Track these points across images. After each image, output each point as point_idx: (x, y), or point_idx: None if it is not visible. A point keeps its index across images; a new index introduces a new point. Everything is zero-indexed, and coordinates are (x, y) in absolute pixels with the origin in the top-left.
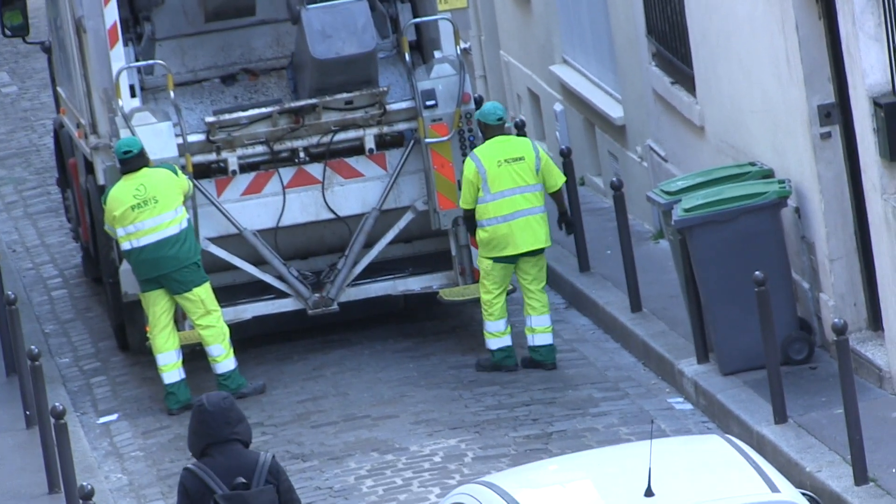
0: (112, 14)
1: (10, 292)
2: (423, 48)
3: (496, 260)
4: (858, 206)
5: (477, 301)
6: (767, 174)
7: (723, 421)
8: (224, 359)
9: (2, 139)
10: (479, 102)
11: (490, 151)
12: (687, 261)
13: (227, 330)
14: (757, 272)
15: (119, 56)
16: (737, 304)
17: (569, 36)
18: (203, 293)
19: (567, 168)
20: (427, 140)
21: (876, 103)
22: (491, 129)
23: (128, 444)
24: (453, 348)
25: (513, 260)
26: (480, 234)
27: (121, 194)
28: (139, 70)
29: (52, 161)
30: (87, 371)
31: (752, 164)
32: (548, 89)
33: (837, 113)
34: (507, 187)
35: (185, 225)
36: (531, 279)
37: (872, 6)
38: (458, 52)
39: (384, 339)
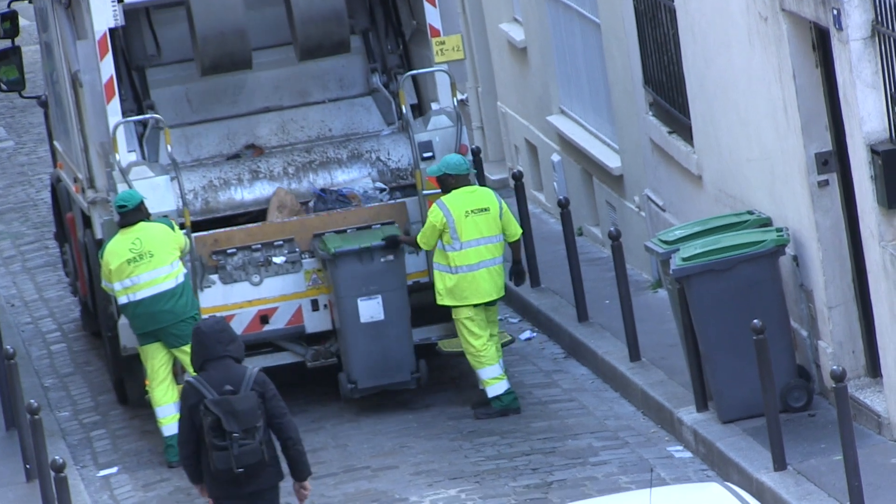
0: (108, 68)
1: (8, 346)
2: (420, 100)
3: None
4: (856, 253)
5: None
6: (765, 222)
7: (722, 469)
8: None
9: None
10: (475, 154)
11: (457, 201)
12: (685, 309)
13: None
14: (755, 320)
15: (116, 110)
16: (735, 353)
17: (566, 86)
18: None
19: (565, 218)
20: (425, 192)
21: (873, 151)
22: (459, 180)
23: (128, 497)
24: (452, 399)
25: (483, 307)
26: (446, 283)
27: (117, 248)
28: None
29: (49, 215)
30: (86, 424)
31: (750, 213)
32: (545, 140)
33: (835, 161)
34: (473, 237)
35: (181, 280)
36: (491, 324)
37: (869, 54)
38: (455, 103)
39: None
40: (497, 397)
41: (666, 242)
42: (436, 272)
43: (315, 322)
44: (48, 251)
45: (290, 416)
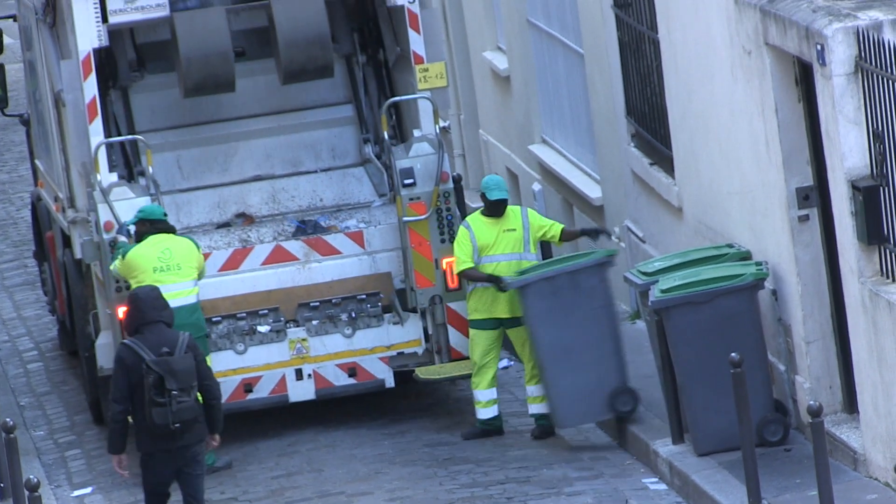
0: (91, 89)
1: None
2: (402, 126)
3: (481, 325)
4: (835, 288)
5: (452, 380)
6: (745, 256)
7: (697, 502)
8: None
9: None
10: (457, 181)
11: (483, 222)
12: (663, 341)
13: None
14: (733, 353)
15: (98, 130)
16: (712, 386)
17: (548, 116)
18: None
19: (545, 249)
20: (405, 218)
21: (854, 186)
22: (493, 207)
23: None
24: (428, 426)
25: (496, 325)
26: (469, 296)
27: (146, 253)
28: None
29: (29, 234)
30: (61, 444)
31: (730, 246)
32: (526, 169)
33: (816, 196)
34: (499, 252)
35: (197, 299)
36: (520, 345)
37: (852, 90)
38: (437, 130)
39: (359, 416)
40: (481, 420)
41: (645, 274)
42: (469, 293)
43: (299, 391)
44: (27, 270)
45: (214, 377)
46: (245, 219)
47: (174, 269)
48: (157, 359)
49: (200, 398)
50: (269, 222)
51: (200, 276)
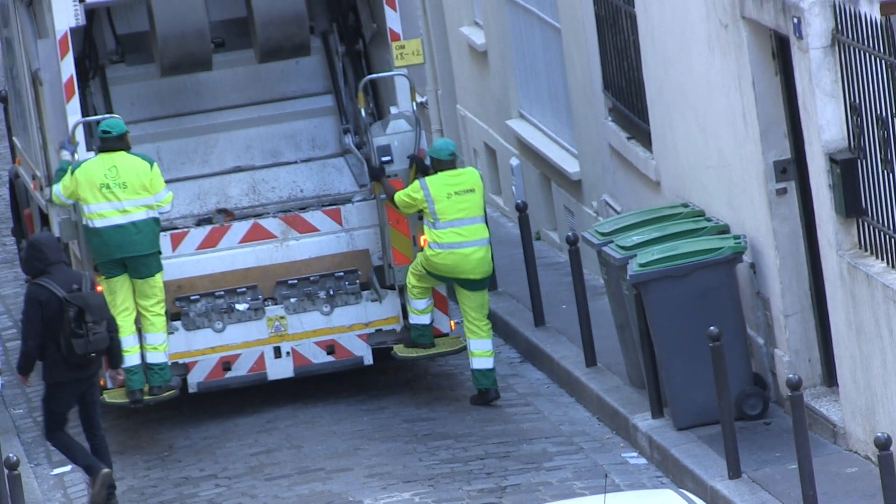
0: (69, 68)
1: None
2: (379, 103)
3: (436, 277)
4: (814, 262)
5: (431, 357)
6: (723, 229)
7: (677, 476)
8: (163, 349)
9: None
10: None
11: (441, 183)
12: (642, 315)
13: (166, 324)
14: (712, 327)
15: (75, 109)
16: (691, 360)
17: (525, 91)
18: (161, 281)
19: (523, 222)
20: (383, 195)
21: (832, 159)
22: (443, 164)
23: (81, 495)
24: (407, 402)
25: (448, 282)
26: (428, 252)
27: (92, 169)
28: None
29: (7, 211)
30: (40, 422)
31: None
32: (504, 144)
33: (793, 169)
34: (457, 217)
35: (152, 215)
36: (474, 308)
37: (829, 63)
38: (415, 107)
39: (338, 392)
40: (416, 326)
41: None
42: (426, 250)
43: (277, 369)
44: (5, 247)
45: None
46: (226, 214)
47: (119, 187)
48: (74, 294)
49: None
50: (250, 216)
51: (160, 202)
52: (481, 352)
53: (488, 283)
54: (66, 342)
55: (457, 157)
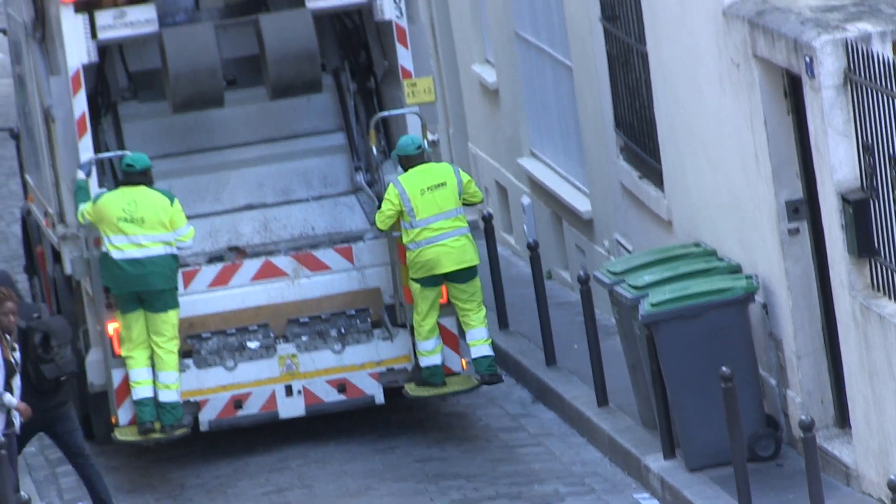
0: (81, 105)
1: None
2: (390, 141)
3: (424, 283)
4: (826, 302)
5: (441, 396)
6: (735, 269)
7: None
8: (175, 388)
9: None
10: None
11: (413, 180)
12: (654, 355)
13: (178, 362)
14: (724, 368)
15: (87, 146)
16: (703, 400)
17: (537, 129)
18: (176, 318)
19: (534, 261)
20: (394, 234)
21: (844, 199)
22: (413, 159)
23: None
24: (419, 441)
25: (439, 281)
26: (409, 257)
27: (112, 202)
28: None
29: (20, 249)
30: (52, 460)
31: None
32: (515, 182)
33: (805, 208)
34: (432, 213)
35: (169, 251)
36: (465, 299)
37: (841, 102)
38: (426, 144)
39: (350, 431)
40: (427, 367)
41: (635, 287)
42: (406, 252)
43: (289, 408)
44: (18, 284)
45: None
46: (237, 252)
47: (137, 222)
48: (35, 321)
49: None
50: (261, 254)
51: (180, 238)
52: (478, 340)
53: (477, 272)
54: (34, 369)
55: (425, 151)
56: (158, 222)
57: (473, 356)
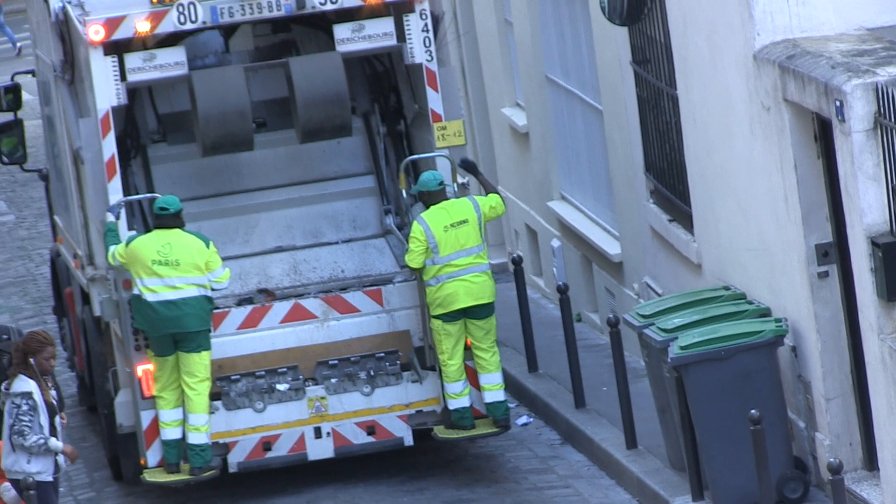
0: (110, 147)
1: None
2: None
3: (445, 319)
4: (855, 345)
5: (470, 439)
6: (764, 312)
7: None
8: (204, 430)
9: None
10: None
11: (437, 216)
12: (683, 398)
13: (208, 404)
14: (752, 410)
15: (116, 188)
16: (732, 442)
17: (567, 172)
18: (208, 359)
19: (564, 304)
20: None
21: (874, 243)
22: (435, 196)
23: None
24: (447, 483)
25: (459, 317)
26: (429, 294)
27: (146, 244)
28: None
29: (48, 290)
30: (81, 501)
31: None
32: (545, 225)
33: (835, 252)
34: (454, 250)
35: (203, 293)
36: (481, 337)
37: (871, 146)
38: (456, 188)
39: (378, 473)
40: (451, 411)
41: (665, 330)
42: (427, 289)
43: (318, 450)
44: (46, 326)
45: None
46: (267, 294)
47: (172, 265)
48: (4, 343)
49: None
50: (291, 296)
51: (216, 280)
52: (491, 385)
53: (494, 310)
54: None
55: (446, 186)
56: (193, 265)
57: (488, 401)
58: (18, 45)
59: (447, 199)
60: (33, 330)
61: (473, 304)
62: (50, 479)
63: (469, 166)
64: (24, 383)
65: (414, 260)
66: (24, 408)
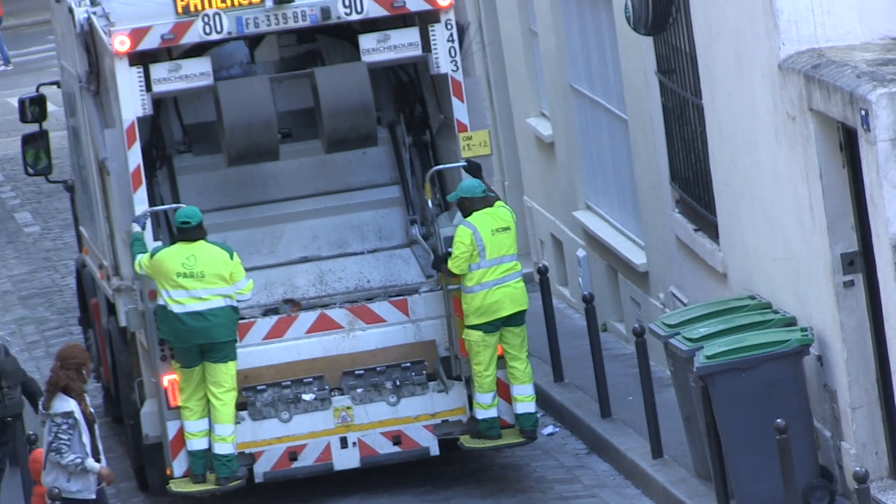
0: (136, 157)
1: (31, 432)
2: (445, 194)
3: (486, 329)
4: (881, 354)
5: (497, 449)
6: (790, 322)
7: None
8: (230, 440)
9: (24, 279)
10: None
11: (483, 221)
12: (708, 407)
13: (234, 414)
14: (778, 420)
15: (142, 199)
16: (758, 452)
17: (592, 182)
18: (234, 370)
19: (589, 314)
20: (450, 287)
21: None
22: (479, 202)
23: None
24: (473, 492)
25: (499, 326)
26: (474, 302)
27: (171, 256)
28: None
29: (74, 301)
30: None
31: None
32: (571, 235)
33: (860, 261)
34: (499, 255)
35: (229, 303)
36: (517, 345)
37: None
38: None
39: (404, 483)
40: (478, 420)
41: (690, 340)
42: (463, 295)
43: (344, 460)
44: (72, 336)
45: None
46: (293, 305)
47: (197, 277)
48: None
49: None
50: (317, 306)
51: (240, 291)
52: (524, 397)
53: (525, 323)
54: None
55: (486, 195)
56: (218, 276)
57: (519, 412)
58: (9, 67)
59: (490, 206)
60: (71, 342)
61: (515, 311)
62: (92, 496)
63: (473, 168)
64: (65, 403)
65: (458, 266)
66: (65, 426)
